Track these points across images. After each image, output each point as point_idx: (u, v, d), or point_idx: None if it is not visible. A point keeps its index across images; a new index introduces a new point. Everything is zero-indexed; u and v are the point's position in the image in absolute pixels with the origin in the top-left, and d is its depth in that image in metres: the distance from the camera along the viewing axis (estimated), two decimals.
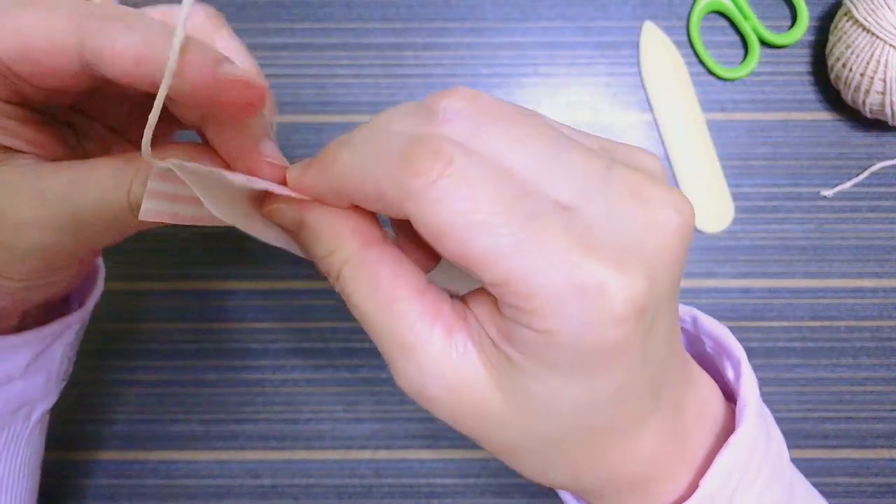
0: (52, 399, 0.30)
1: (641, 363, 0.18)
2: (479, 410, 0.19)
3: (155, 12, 0.23)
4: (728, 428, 0.23)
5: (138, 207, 0.20)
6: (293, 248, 0.22)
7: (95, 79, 0.21)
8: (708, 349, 0.26)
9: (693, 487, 0.22)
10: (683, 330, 0.27)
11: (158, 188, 0.20)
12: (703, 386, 0.24)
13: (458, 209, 0.16)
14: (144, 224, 0.21)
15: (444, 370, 0.19)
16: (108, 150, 0.26)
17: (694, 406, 0.23)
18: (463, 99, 0.18)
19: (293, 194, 0.20)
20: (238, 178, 0.19)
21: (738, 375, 0.24)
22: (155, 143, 0.18)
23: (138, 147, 0.19)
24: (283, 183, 0.21)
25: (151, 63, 0.19)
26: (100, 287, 0.30)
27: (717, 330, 0.26)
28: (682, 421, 0.22)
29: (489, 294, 0.19)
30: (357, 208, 0.20)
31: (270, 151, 0.21)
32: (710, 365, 0.26)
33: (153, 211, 0.20)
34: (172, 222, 0.21)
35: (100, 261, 0.30)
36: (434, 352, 0.18)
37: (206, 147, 0.22)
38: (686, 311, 0.27)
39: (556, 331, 0.17)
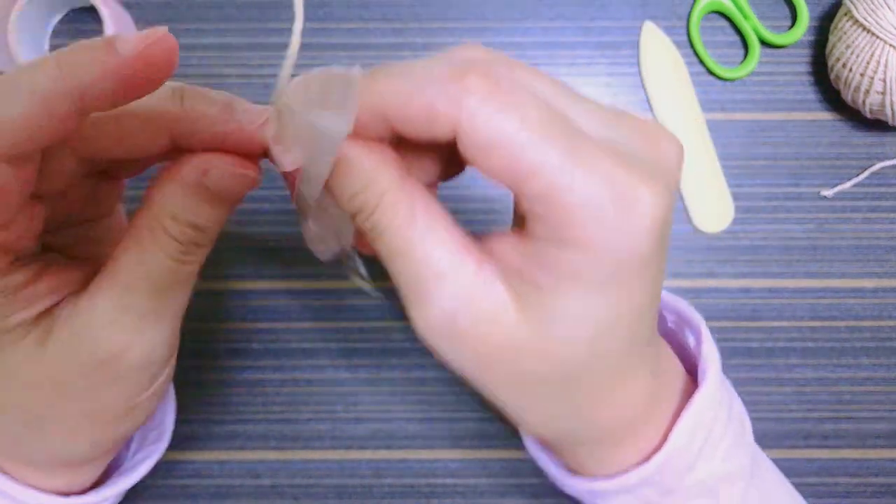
0: None
1: (654, 283, 0.19)
2: (504, 341, 0.19)
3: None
4: (689, 395, 0.24)
5: (180, 252, 0.21)
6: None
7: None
8: (670, 324, 0.28)
9: (662, 442, 0.23)
10: None
11: (272, 132, 0.21)
12: (671, 357, 0.25)
13: (510, 122, 0.17)
14: (200, 262, 0.22)
15: (474, 299, 0.19)
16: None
17: (669, 362, 0.25)
18: (478, 50, 0.19)
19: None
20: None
21: (698, 342, 0.25)
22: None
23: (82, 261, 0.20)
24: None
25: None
26: (164, 445, 0.30)
27: (677, 303, 0.27)
28: (664, 370, 0.24)
29: (507, 233, 0.20)
30: (385, 145, 0.20)
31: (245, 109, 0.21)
32: (675, 342, 0.27)
33: (289, 156, 0.21)
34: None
35: (169, 420, 0.30)
36: (466, 280, 0.19)
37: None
38: None
39: (595, 240, 0.18)
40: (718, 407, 0.24)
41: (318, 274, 0.40)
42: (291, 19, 0.43)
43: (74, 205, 0.23)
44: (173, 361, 0.24)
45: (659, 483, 0.23)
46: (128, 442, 0.30)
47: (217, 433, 0.39)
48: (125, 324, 0.20)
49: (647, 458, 0.23)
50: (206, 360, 0.39)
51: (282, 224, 0.40)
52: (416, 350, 0.39)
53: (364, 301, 0.40)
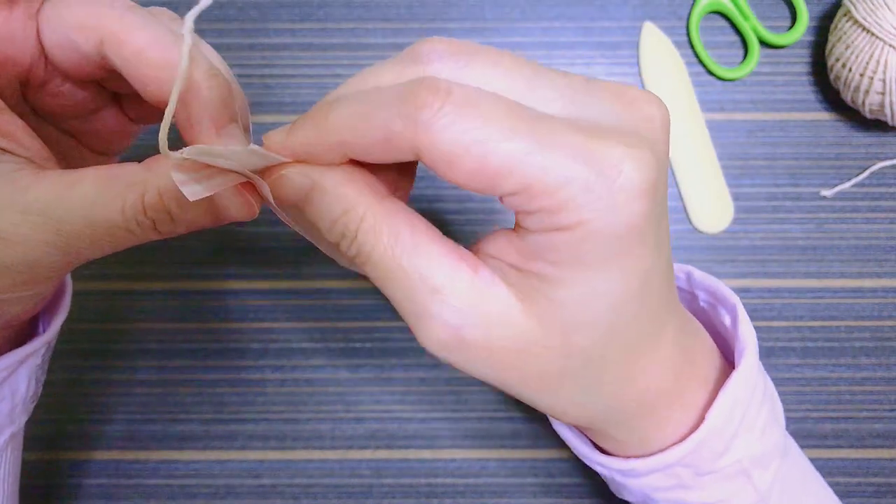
0: (20, 422, 0.29)
1: (657, 247, 0.19)
2: (516, 343, 0.19)
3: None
4: (724, 375, 0.24)
5: (136, 222, 0.20)
6: (303, 232, 0.22)
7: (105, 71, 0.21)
8: (702, 303, 0.27)
9: (699, 421, 0.22)
10: (679, 289, 0.28)
11: (184, 177, 0.20)
12: (703, 334, 0.25)
13: (468, 127, 0.17)
14: (139, 241, 0.21)
15: (478, 306, 0.19)
16: (65, 158, 0.25)
17: (699, 337, 0.24)
18: (441, 42, 0.19)
19: (284, 159, 0.20)
20: (251, 149, 0.19)
21: (734, 321, 0.25)
22: (109, 152, 0.19)
23: (95, 153, 0.19)
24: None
25: (163, 63, 0.20)
26: (66, 306, 0.28)
27: (711, 281, 0.27)
28: (693, 343, 0.23)
29: (501, 232, 0.19)
30: (357, 166, 0.20)
31: (233, 140, 0.21)
32: (706, 320, 0.27)
33: (197, 192, 0.20)
34: (212, 192, 0.20)
35: (67, 278, 0.29)
36: (464, 289, 0.19)
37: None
38: (680, 267, 0.28)
39: (587, 219, 0.17)
40: (755, 387, 0.23)
41: (318, 274, 0.40)
42: (290, 19, 0.43)
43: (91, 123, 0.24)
44: (46, 291, 0.24)
45: (694, 464, 0.23)
46: None
47: (217, 433, 0.39)
48: (33, 226, 0.20)
49: (684, 438, 0.22)
50: (206, 360, 0.39)
51: (282, 224, 0.40)
52: (416, 350, 0.39)
53: (365, 301, 0.40)
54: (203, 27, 0.41)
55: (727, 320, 0.25)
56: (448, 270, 0.19)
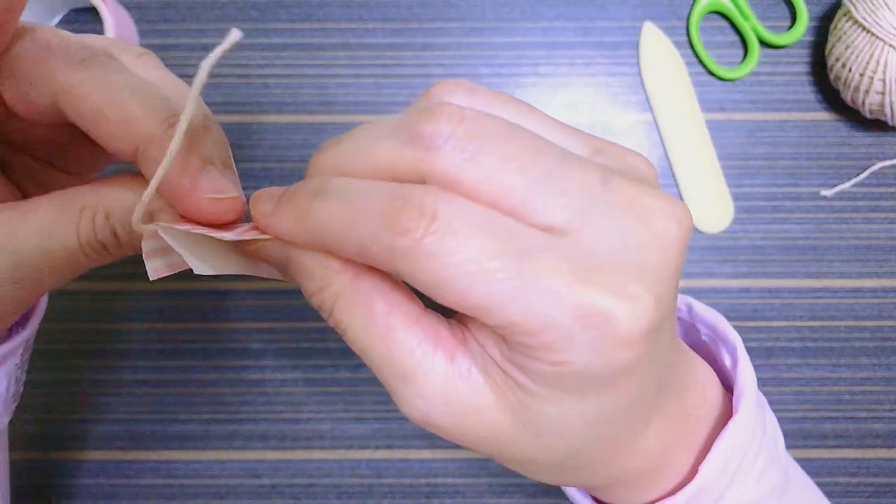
0: (3, 421, 0.28)
1: (649, 371, 0.18)
2: (489, 432, 0.19)
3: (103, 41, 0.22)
4: (726, 414, 0.23)
5: (90, 246, 0.20)
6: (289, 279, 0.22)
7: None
8: (703, 337, 0.26)
9: (693, 472, 0.22)
10: (679, 319, 0.27)
11: (152, 245, 0.20)
12: (700, 373, 0.24)
13: (448, 262, 0.16)
14: (95, 262, 0.21)
15: (449, 396, 0.18)
16: (42, 184, 0.25)
17: (693, 392, 0.23)
18: (451, 121, 0.17)
19: (265, 237, 0.19)
20: (225, 235, 0.19)
21: (734, 362, 0.24)
22: (87, 174, 0.20)
23: (73, 176, 0.19)
24: (241, 214, 0.20)
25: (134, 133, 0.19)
26: (43, 305, 0.28)
27: (713, 317, 0.26)
28: (683, 409, 0.23)
29: None
30: None
31: (213, 186, 0.20)
32: (706, 352, 0.26)
33: (159, 269, 0.20)
34: (172, 272, 0.20)
35: None
36: (437, 378, 0.18)
37: (141, 178, 0.21)
38: (681, 299, 0.27)
39: (568, 361, 0.16)
40: (753, 432, 0.23)
41: None
42: (290, 19, 0.43)
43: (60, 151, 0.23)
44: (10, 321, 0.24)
45: None
46: None
47: (217, 433, 0.39)
48: None
49: (678, 489, 0.22)
50: (207, 360, 0.39)
51: None
52: None
53: None
54: (203, 27, 0.41)
55: (727, 361, 0.25)
56: (422, 357, 0.18)
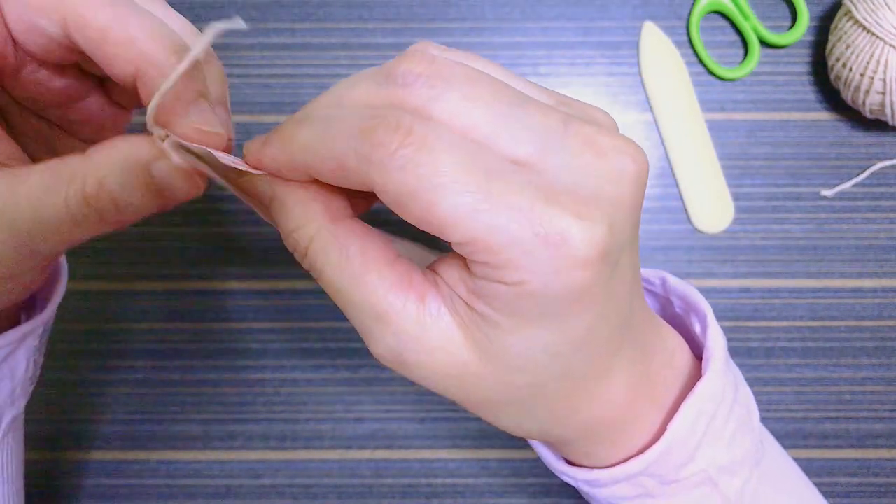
0: (20, 404, 0.29)
1: (607, 303, 0.19)
2: (457, 370, 0.20)
3: None
4: (695, 379, 0.24)
5: (81, 214, 0.20)
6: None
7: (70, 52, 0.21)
8: (677, 309, 0.27)
9: (661, 432, 0.22)
10: (653, 293, 0.28)
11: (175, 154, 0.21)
12: (670, 339, 0.25)
13: (421, 174, 0.17)
14: (89, 233, 0.21)
15: (420, 335, 0.19)
16: (54, 151, 0.25)
17: (661, 354, 0.24)
18: (421, 62, 0.19)
19: (255, 171, 0.20)
20: (224, 158, 0.20)
21: (704, 329, 0.25)
22: (99, 140, 0.20)
23: (86, 143, 0.20)
24: (226, 150, 0.21)
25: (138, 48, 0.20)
26: (62, 287, 0.29)
27: (684, 288, 0.27)
28: (649, 366, 0.23)
29: (457, 258, 0.19)
30: (324, 183, 0.20)
31: (201, 117, 0.21)
32: (681, 325, 0.27)
33: (186, 164, 0.21)
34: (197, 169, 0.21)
35: (62, 260, 0.29)
36: (409, 318, 0.19)
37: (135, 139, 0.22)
38: (655, 273, 0.28)
39: (526, 280, 0.17)
40: (723, 395, 0.23)
41: None
42: (290, 19, 0.43)
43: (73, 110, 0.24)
44: (18, 286, 0.24)
45: (658, 473, 0.23)
46: None
47: (217, 433, 0.39)
48: None
49: (646, 448, 0.23)
50: (207, 360, 0.39)
51: None
52: None
53: None
54: (204, 27, 0.41)
55: (697, 328, 0.26)
56: (394, 297, 0.19)
